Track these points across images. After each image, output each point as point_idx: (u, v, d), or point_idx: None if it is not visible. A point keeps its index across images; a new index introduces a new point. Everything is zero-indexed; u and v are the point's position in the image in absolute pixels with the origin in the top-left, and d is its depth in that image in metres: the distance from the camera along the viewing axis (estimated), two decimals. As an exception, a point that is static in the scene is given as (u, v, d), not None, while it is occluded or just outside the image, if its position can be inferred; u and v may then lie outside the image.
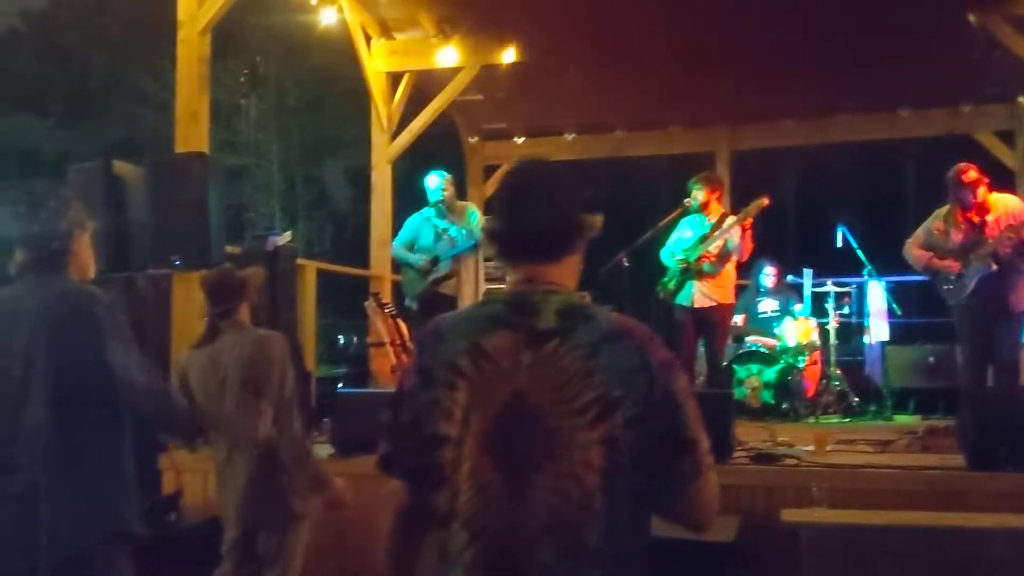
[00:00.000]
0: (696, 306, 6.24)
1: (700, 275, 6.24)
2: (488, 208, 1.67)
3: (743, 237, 6.18)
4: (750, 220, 6.17)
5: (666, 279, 6.40)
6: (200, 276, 3.78)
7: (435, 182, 6.20)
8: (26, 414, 2.19)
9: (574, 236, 1.72)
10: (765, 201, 6.26)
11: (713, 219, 6.34)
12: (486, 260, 6.22)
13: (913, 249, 5.80)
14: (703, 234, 6.30)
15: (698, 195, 6.31)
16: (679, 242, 6.40)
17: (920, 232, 5.84)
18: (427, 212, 6.29)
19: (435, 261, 6.13)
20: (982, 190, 5.47)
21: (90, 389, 2.24)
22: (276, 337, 3.52)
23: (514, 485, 1.55)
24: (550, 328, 1.61)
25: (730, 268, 6.38)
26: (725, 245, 6.24)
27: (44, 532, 2.16)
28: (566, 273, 1.72)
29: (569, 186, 1.74)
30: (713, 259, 6.23)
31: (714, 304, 6.25)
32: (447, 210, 6.24)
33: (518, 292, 1.69)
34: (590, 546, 1.54)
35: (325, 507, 3.56)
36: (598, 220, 1.73)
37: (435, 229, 6.21)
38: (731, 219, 6.31)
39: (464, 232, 6.18)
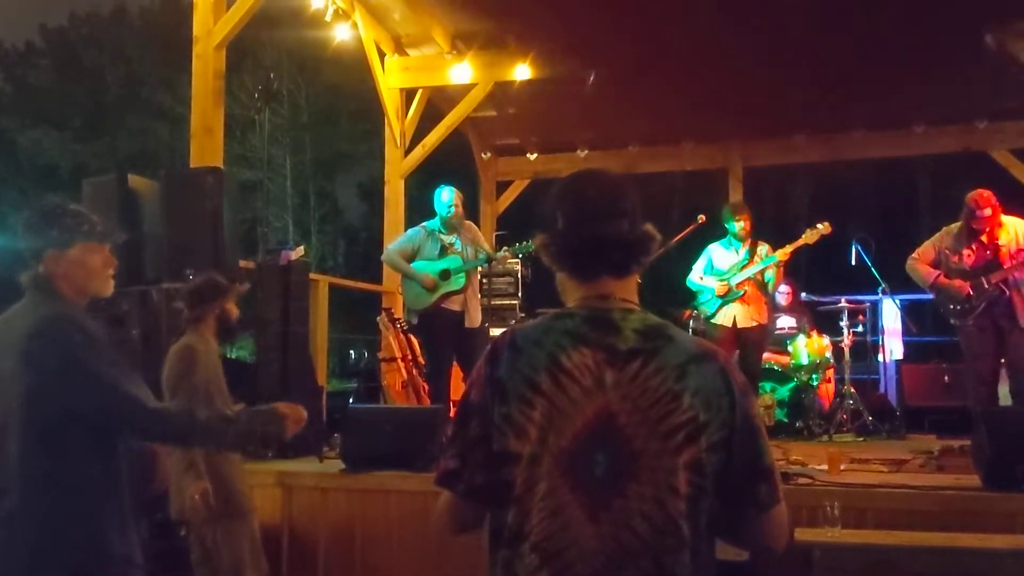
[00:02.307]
0: (740, 326, 6.44)
1: (741, 298, 6.46)
2: (543, 222, 1.56)
3: (778, 273, 6.44)
4: (788, 255, 6.40)
5: (701, 302, 6.60)
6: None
7: (448, 197, 6.20)
8: (9, 438, 2.18)
9: (647, 250, 1.66)
10: (828, 229, 6.46)
11: (747, 245, 6.55)
12: (493, 276, 6.16)
13: (920, 265, 5.74)
14: (744, 262, 6.50)
15: (739, 226, 6.51)
16: (714, 270, 6.58)
17: (929, 248, 5.78)
18: (431, 225, 6.25)
19: (445, 275, 6.10)
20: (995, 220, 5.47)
21: (78, 406, 2.19)
22: (191, 351, 3.64)
23: (591, 508, 1.50)
24: (632, 348, 1.56)
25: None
26: (763, 275, 6.48)
27: (29, 555, 2.14)
28: (632, 289, 1.67)
29: (636, 197, 1.68)
30: (757, 286, 6.48)
31: (756, 324, 6.48)
32: (457, 226, 6.22)
33: (595, 308, 1.62)
34: (672, 572, 1.49)
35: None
36: (656, 233, 1.68)
37: (441, 242, 6.18)
38: (766, 248, 6.55)
39: (470, 249, 6.17)
